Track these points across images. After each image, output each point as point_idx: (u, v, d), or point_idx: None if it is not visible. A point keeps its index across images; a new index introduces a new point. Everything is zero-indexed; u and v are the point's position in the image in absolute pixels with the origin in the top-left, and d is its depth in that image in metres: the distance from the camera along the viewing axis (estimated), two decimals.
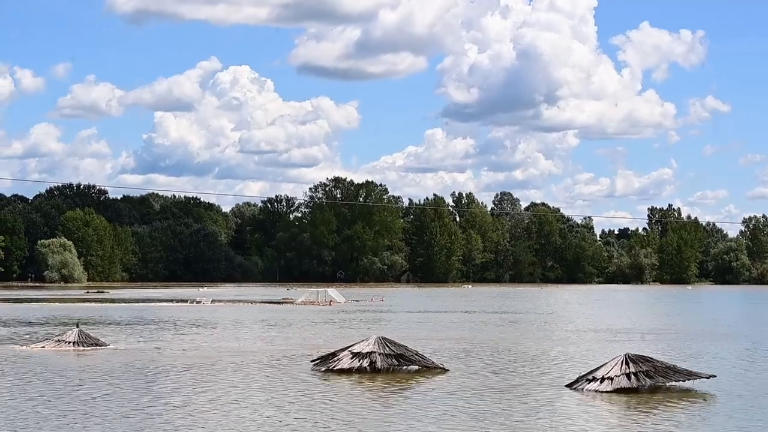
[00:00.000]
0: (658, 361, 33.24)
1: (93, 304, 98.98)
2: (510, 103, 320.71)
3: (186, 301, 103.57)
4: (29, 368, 37.63)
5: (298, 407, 28.45)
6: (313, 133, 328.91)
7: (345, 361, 36.67)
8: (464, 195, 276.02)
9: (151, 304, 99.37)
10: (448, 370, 37.54)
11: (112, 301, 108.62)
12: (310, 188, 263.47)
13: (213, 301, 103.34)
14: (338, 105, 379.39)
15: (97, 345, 46.42)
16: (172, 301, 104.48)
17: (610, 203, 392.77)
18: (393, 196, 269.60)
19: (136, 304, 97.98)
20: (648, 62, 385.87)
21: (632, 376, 31.68)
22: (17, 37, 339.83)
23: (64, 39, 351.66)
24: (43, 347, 45.77)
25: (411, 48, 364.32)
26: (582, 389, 31.98)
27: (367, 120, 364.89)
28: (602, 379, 31.89)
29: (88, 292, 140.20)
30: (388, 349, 37.20)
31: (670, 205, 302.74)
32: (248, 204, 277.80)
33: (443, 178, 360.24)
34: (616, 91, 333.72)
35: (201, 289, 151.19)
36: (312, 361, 38.75)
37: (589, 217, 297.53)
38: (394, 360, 37.02)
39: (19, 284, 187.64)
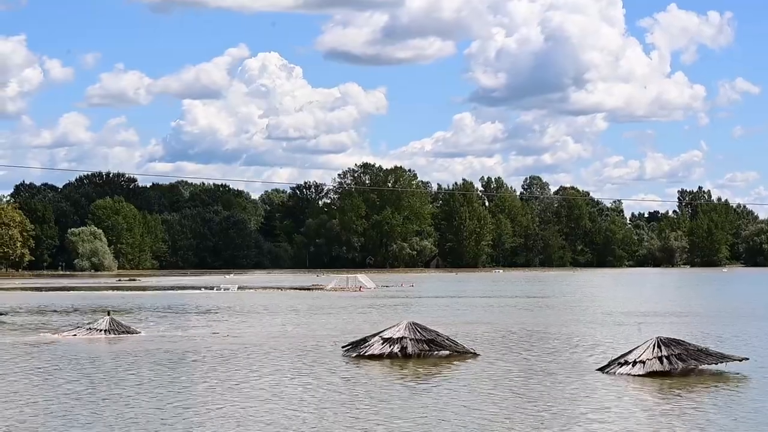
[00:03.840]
0: (690, 344, 32.93)
1: (122, 292, 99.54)
2: (538, 87, 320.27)
3: (213, 288, 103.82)
4: (61, 356, 37.77)
5: (331, 393, 28.39)
6: (341, 119, 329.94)
7: (376, 347, 36.57)
8: (493, 179, 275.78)
9: (180, 291, 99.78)
10: (479, 354, 37.36)
11: (142, 288, 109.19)
12: (339, 174, 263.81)
13: (239, 288, 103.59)
14: (366, 91, 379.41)
15: (128, 332, 46.58)
16: (200, 288, 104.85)
17: (639, 186, 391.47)
18: (422, 182, 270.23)
19: (165, 292, 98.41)
20: (676, 44, 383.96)
21: (664, 360, 31.41)
22: (45, 27, 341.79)
23: (91, 28, 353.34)
24: (75, 335, 45.93)
25: (438, 33, 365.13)
26: (614, 373, 31.76)
27: (395, 105, 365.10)
28: (634, 363, 31.64)
29: (120, 280, 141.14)
30: (418, 334, 37.05)
31: (700, 188, 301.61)
32: (277, 191, 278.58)
33: (472, 163, 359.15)
34: (645, 73, 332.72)
35: (227, 276, 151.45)
36: (343, 347, 38.69)
37: (619, 200, 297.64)
38: (425, 345, 36.88)
39: (50, 273, 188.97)
